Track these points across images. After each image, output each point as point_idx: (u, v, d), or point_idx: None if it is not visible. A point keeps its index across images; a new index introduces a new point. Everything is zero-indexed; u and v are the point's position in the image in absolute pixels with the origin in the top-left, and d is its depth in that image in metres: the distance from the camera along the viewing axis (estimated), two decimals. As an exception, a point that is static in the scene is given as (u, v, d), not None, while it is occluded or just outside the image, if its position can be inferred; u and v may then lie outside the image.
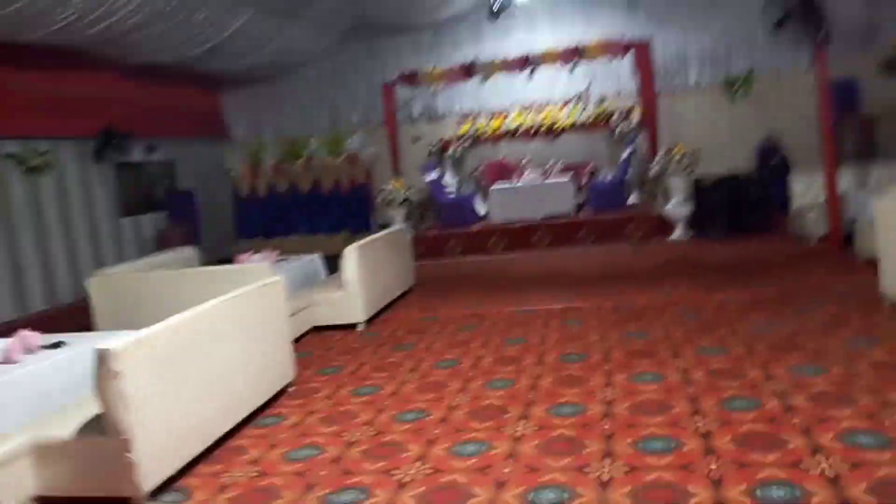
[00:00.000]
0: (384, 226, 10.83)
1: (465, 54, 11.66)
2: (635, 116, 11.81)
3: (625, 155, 10.65)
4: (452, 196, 11.85)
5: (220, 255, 10.49)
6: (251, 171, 12.57)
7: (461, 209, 10.86)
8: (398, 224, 10.32)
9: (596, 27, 11.82)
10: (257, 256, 7.12)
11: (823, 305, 5.50)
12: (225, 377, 3.94)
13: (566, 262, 8.97)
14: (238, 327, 4.14)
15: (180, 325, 3.61)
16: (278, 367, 4.62)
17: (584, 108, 12.07)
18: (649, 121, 10.11)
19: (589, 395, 4.11)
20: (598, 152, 12.18)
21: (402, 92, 12.74)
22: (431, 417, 4.04)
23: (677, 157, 9.37)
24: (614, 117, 12.09)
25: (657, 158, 9.61)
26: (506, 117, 12.39)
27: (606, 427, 3.61)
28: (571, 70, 10.54)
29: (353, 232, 12.07)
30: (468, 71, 10.48)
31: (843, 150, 11.36)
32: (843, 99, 11.55)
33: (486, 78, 10.67)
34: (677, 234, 9.67)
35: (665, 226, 9.83)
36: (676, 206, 9.59)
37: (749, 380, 4.06)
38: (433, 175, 11.39)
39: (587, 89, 12.46)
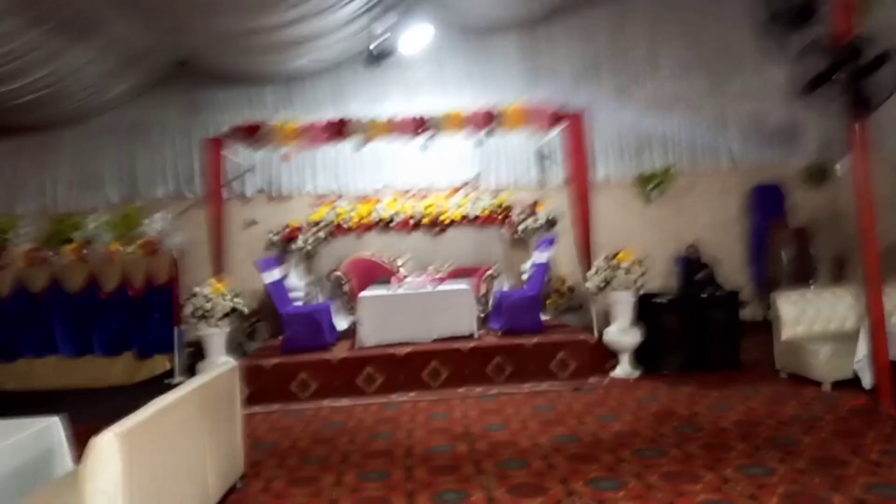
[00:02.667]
0: (193, 351, 7.12)
1: (324, 115, 8.59)
2: (541, 212, 9.33)
3: (540, 258, 7.95)
4: (300, 304, 8.37)
5: None
6: (-13, 257, 8.29)
7: (313, 324, 7.41)
8: (215, 353, 6.61)
9: (491, 94, 9.49)
10: None
11: None
12: None
13: (483, 417, 5.80)
14: None
15: None
16: None
17: (477, 199, 9.41)
18: (581, 218, 7.49)
19: None
20: (491, 254, 9.47)
21: (234, 157, 9.32)
22: None
23: (624, 267, 6.81)
24: (516, 211, 9.55)
25: (595, 268, 6.97)
26: (377, 202, 9.37)
27: None
28: (480, 140, 7.78)
29: (141, 354, 8.11)
30: (337, 129, 7.35)
31: (778, 268, 9.66)
32: (771, 208, 9.99)
33: (363, 141, 7.61)
34: (622, 368, 6.97)
35: (602, 357, 7.10)
36: (621, 333, 6.92)
37: None
38: (273, 274, 7.90)
39: (476, 176, 9.90)
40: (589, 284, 6.98)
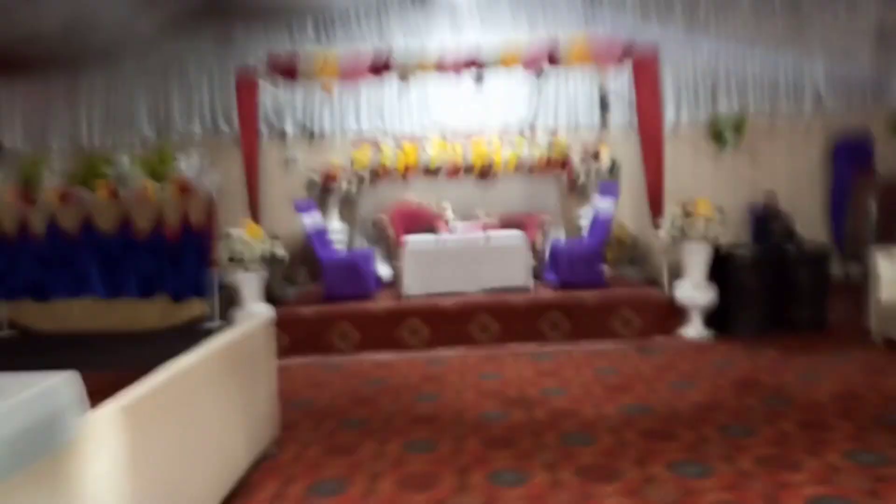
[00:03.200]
0: (228, 297, 6.74)
1: (368, 49, 7.85)
2: (604, 158, 8.54)
3: (603, 207, 7.23)
4: (341, 252, 7.88)
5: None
6: (21, 196, 7.97)
7: (355, 273, 6.90)
8: (250, 300, 6.17)
9: (550, 25, 8.63)
10: None
11: None
12: None
13: (539, 378, 5.24)
14: None
15: None
16: None
17: (533, 143, 8.66)
18: (653, 164, 6.65)
19: None
20: (546, 202, 8.75)
21: (270, 92, 8.76)
22: None
23: (699, 220, 6.06)
24: (576, 157, 8.77)
25: (670, 216, 6.23)
26: (422, 147, 8.71)
27: None
28: (537, 82, 6.99)
29: (176, 297, 7.78)
30: (381, 65, 6.63)
31: (864, 224, 8.72)
32: (856, 159, 8.97)
33: (405, 77, 6.90)
34: (693, 328, 6.30)
35: (670, 316, 6.43)
36: (695, 288, 6.23)
37: None
38: (314, 217, 7.40)
39: (532, 118, 9.11)
40: (662, 234, 6.26)
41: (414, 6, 8.82)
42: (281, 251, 6.20)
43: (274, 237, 6.23)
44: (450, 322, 6.40)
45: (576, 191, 9.06)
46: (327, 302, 6.81)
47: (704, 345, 6.02)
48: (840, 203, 9.05)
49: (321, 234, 7.44)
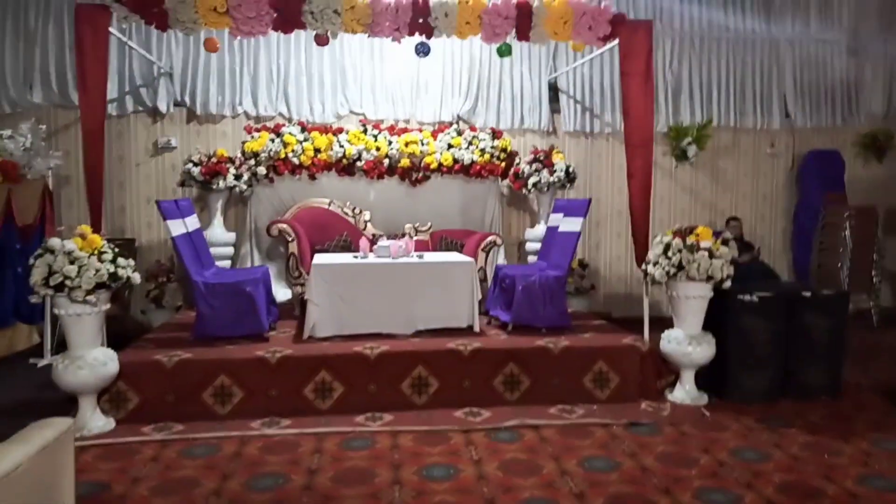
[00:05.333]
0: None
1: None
2: (558, 162, 7.11)
3: (568, 226, 5.76)
4: (224, 272, 5.95)
5: None
6: None
7: (242, 301, 5.02)
8: (83, 344, 4.16)
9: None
10: None
11: None
12: None
13: (509, 477, 3.65)
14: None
15: None
16: None
17: (473, 140, 7.10)
18: (639, 174, 5.14)
19: None
20: (485, 214, 7.23)
21: (139, 59, 6.74)
22: None
23: (705, 248, 4.69)
24: (523, 161, 7.32)
25: (663, 246, 4.82)
26: (337, 133, 6.92)
27: None
28: (505, 48, 5.33)
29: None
30: (289, 9, 4.72)
31: (833, 254, 7.79)
32: (825, 178, 8.06)
33: (324, 37, 5.06)
34: (684, 391, 4.93)
35: (654, 373, 5.03)
36: (690, 340, 4.85)
37: None
38: (186, 223, 5.45)
39: (472, 110, 7.58)
40: (651, 270, 4.83)
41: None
42: (132, 272, 4.24)
43: (119, 252, 4.24)
44: (373, 376, 4.68)
45: (519, 201, 7.62)
46: (200, 342, 4.91)
47: (704, 415, 4.64)
48: (806, 229, 8.10)
49: (196, 247, 5.49)
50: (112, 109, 6.98)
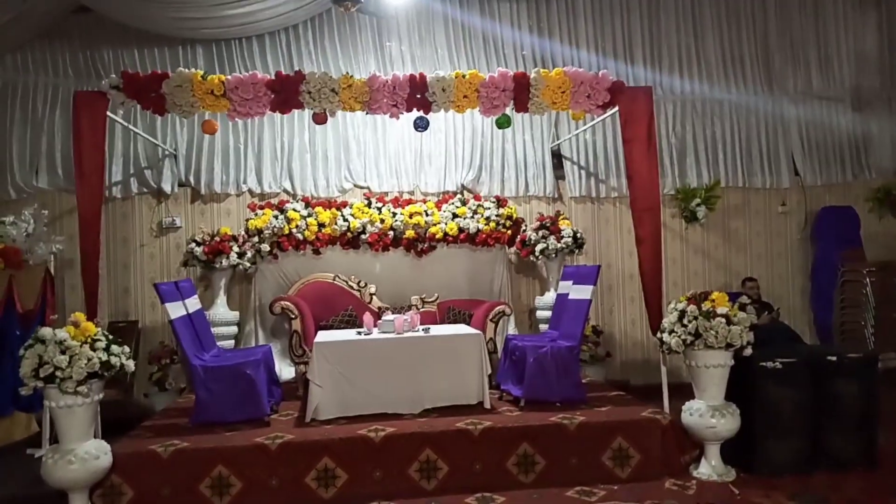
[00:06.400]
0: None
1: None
2: (564, 228, 7.01)
3: (579, 293, 5.60)
4: (223, 354, 5.78)
5: None
6: None
7: (242, 384, 4.84)
8: (74, 438, 3.96)
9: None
10: None
11: None
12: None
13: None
14: None
15: None
16: None
17: (478, 209, 7.03)
18: (649, 248, 5.00)
19: None
20: (493, 283, 7.09)
21: (143, 143, 6.83)
22: None
23: (722, 314, 4.50)
24: (529, 228, 7.23)
25: (677, 313, 4.63)
26: (342, 207, 6.89)
27: None
28: (505, 119, 5.28)
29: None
30: (287, 89, 4.72)
31: (856, 312, 7.52)
32: (840, 234, 7.88)
33: (322, 115, 5.06)
34: (710, 466, 4.63)
35: (676, 447, 4.75)
36: (713, 412, 4.59)
37: None
38: (186, 305, 5.34)
39: (476, 179, 7.55)
40: (667, 339, 4.63)
41: (332, 31, 7.19)
42: (126, 359, 4.10)
43: (112, 339, 4.11)
44: (378, 461, 4.43)
45: (526, 268, 7.48)
46: (198, 429, 4.71)
47: (735, 498, 4.32)
48: (825, 287, 7.86)
49: (196, 328, 5.36)
50: (117, 192, 7.03)
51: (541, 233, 6.96)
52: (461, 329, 5.54)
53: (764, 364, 4.65)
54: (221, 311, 6.52)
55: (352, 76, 4.83)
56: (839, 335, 7.60)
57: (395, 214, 6.82)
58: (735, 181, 8.04)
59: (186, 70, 4.90)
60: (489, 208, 6.98)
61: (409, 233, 6.78)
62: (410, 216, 6.82)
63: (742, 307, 4.61)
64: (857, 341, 7.30)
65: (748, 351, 4.54)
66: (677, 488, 4.44)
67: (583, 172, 7.78)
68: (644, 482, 4.54)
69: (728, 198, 8.04)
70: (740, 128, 8.09)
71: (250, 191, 7.21)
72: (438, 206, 7.01)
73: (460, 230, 6.84)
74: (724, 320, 4.47)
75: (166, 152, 7.09)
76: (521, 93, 4.92)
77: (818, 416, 4.70)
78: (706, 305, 4.56)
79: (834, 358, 4.77)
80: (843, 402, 4.71)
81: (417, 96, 4.90)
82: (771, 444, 4.65)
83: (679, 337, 4.55)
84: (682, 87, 8.04)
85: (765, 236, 8.16)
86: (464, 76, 4.86)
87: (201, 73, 4.82)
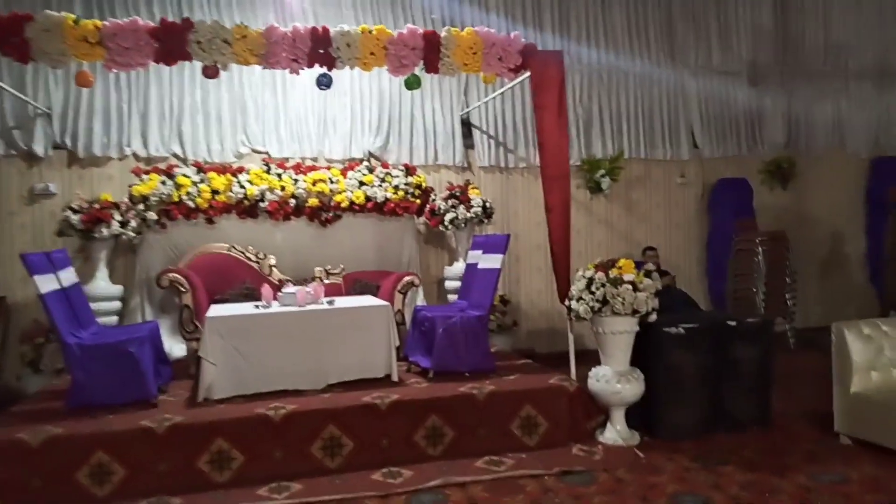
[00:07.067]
0: None
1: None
2: (474, 198, 6.89)
3: (489, 262, 5.49)
4: (102, 331, 5.29)
5: None
6: None
7: (125, 364, 4.41)
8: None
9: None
10: None
11: None
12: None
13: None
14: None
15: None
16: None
17: (383, 180, 6.77)
18: (558, 216, 4.95)
19: None
20: (401, 254, 6.89)
21: (10, 99, 6.11)
22: None
23: (629, 281, 4.50)
24: (438, 197, 7.06)
25: (585, 280, 4.60)
26: (237, 173, 6.44)
27: None
28: (414, 80, 5.00)
29: None
30: (174, 38, 4.29)
31: (748, 280, 7.86)
32: (735, 205, 8.20)
33: (214, 69, 4.62)
34: (615, 431, 4.67)
35: (583, 413, 4.76)
36: (619, 378, 4.62)
37: None
38: (58, 278, 4.80)
39: (384, 146, 7.28)
40: (575, 306, 4.59)
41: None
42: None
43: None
44: (278, 441, 4.16)
45: (435, 238, 7.32)
46: (75, 414, 4.26)
47: (638, 456, 4.38)
48: (720, 256, 8.17)
49: (73, 304, 4.85)
50: (-21, 153, 6.26)
51: (450, 202, 6.81)
52: (368, 301, 5.32)
53: (667, 329, 4.72)
54: (102, 284, 5.97)
55: (247, 27, 4.43)
56: (732, 302, 7.93)
57: (296, 181, 6.45)
58: (637, 153, 8.19)
59: (56, 13, 4.35)
60: (397, 176, 6.75)
61: (313, 201, 6.44)
62: (314, 183, 6.47)
63: (648, 274, 4.64)
64: (749, 308, 7.63)
65: (653, 317, 4.59)
66: (584, 454, 4.44)
67: (492, 142, 7.67)
68: (552, 449, 4.52)
69: (630, 169, 8.18)
70: (643, 100, 8.22)
71: (135, 154, 6.61)
72: (344, 173, 6.70)
73: (367, 199, 6.57)
74: (630, 287, 4.47)
75: (38, 110, 6.37)
76: (431, 52, 4.69)
77: (718, 379, 4.84)
78: (613, 273, 4.55)
79: (734, 323, 4.91)
80: (742, 366, 4.87)
81: (320, 51, 4.57)
82: (673, 407, 4.75)
83: (587, 304, 4.52)
84: (588, 57, 8.06)
85: (664, 207, 8.38)
86: (370, 31, 4.57)
87: (73, 17, 4.28)
